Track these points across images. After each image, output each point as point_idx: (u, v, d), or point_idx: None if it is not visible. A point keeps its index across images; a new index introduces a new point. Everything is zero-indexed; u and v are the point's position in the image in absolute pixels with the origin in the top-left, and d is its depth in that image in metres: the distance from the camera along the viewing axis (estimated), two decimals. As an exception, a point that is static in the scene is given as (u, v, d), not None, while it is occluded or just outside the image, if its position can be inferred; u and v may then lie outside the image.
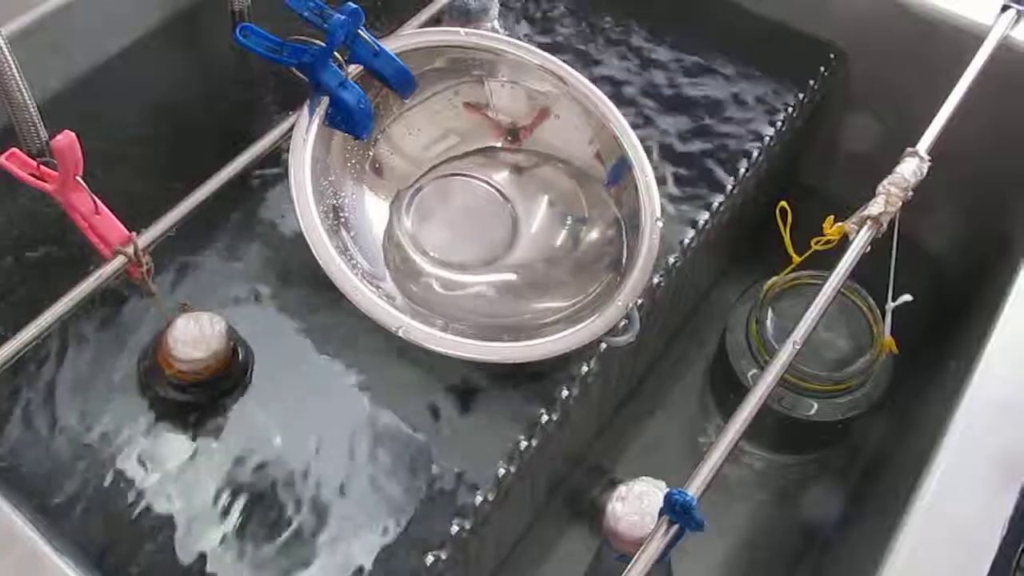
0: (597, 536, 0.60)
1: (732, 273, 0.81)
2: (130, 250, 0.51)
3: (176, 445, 0.52)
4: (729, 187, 0.66)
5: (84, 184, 0.49)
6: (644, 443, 0.74)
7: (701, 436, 0.75)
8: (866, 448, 0.72)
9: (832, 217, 0.57)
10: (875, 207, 0.54)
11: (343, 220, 0.58)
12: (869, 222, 0.54)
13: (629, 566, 0.40)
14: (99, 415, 0.53)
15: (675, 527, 0.41)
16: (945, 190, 0.64)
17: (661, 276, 0.60)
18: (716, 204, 0.65)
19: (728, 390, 0.70)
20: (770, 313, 0.65)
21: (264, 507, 0.50)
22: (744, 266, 0.81)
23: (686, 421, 0.76)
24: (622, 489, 0.47)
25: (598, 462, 0.72)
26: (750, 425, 0.45)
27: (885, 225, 0.54)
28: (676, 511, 0.41)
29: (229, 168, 0.55)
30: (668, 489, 0.41)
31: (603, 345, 0.56)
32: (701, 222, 0.64)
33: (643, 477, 0.48)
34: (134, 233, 0.52)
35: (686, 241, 0.63)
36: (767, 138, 0.69)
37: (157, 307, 0.55)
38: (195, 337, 0.52)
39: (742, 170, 0.67)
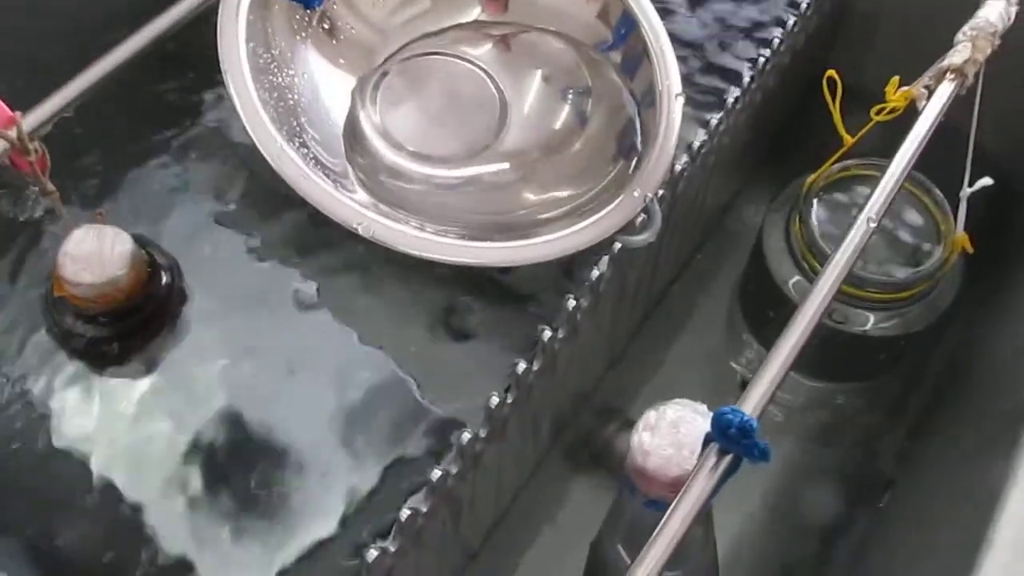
0: (611, 484, 0.50)
1: (760, 177, 0.71)
2: (12, 133, 0.40)
3: (91, 392, 0.42)
4: (762, 60, 0.54)
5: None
6: (664, 376, 0.64)
7: (732, 367, 0.64)
8: (929, 373, 0.61)
9: (897, 78, 0.46)
10: (958, 55, 0.43)
11: (291, 105, 0.47)
12: (950, 74, 0.42)
13: (669, 510, 0.30)
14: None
15: (728, 458, 0.31)
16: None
17: (685, 162, 0.49)
18: (747, 79, 0.53)
19: (765, 307, 0.59)
20: (815, 209, 0.54)
21: (207, 457, 0.40)
22: (774, 168, 0.70)
23: (713, 349, 0.65)
24: (651, 415, 0.37)
25: (610, 399, 0.62)
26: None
27: (971, 78, 0.43)
28: (730, 436, 0.30)
29: (143, 33, 0.44)
30: (719, 408, 0.31)
31: (617, 245, 0.45)
32: (730, 100, 0.52)
33: (677, 399, 0.37)
34: (17, 113, 0.40)
35: (713, 122, 0.51)
36: (803, 4, 0.57)
37: (58, 211, 0.44)
38: (88, 255, 0.41)
39: (776, 41, 0.55)
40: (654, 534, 0.30)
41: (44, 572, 0.37)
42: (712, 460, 0.31)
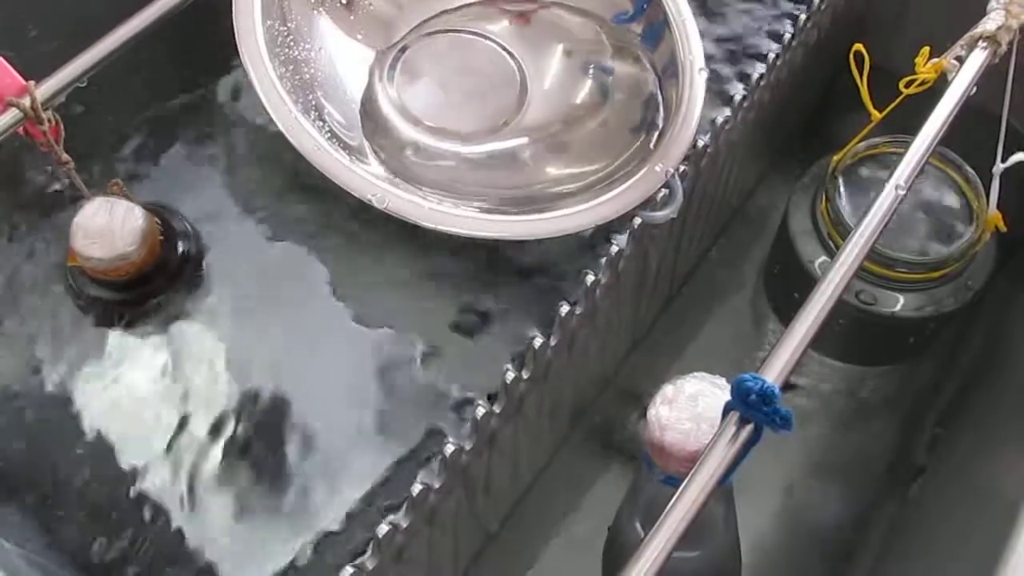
0: (631, 471, 0.49)
1: (786, 159, 0.70)
2: (26, 102, 0.40)
3: (108, 358, 0.42)
4: (788, 36, 0.53)
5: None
6: (687, 361, 0.63)
7: (757, 352, 0.63)
8: (964, 357, 0.59)
9: (928, 48, 0.45)
10: (991, 22, 0.41)
11: (308, 79, 0.47)
12: (983, 42, 0.41)
13: (685, 481, 0.29)
14: (18, 324, 0.43)
15: (748, 427, 0.29)
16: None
17: (708, 139, 0.48)
18: (772, 55, 0.52)
19: (790, 289, 0.58)
20: (842, 187, 0.53)
21: (218, 430, 0.40)
22: (800, 150, 0.68)
23: (737, 334, 0.64)
24: (668, 389, 0.36)
25: (632, 385, 0.61)
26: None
27: (1004, 46, 0.41)
28: (750, 403, 0.29)
29: (156, 6, 0.43)
30: (739, 376, 0.30)
31: (637, 220, 0.44)
32: (755, 76, 0.51)
33: (696, 372, 0.36)
34: (31, 82, 0.40)
35: (737, 98, 0.50)
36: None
37: (75, 182, 0.43)
38: (100, 230, 0.41)
39: (803, 17, 0.54)
40: (668, 506, 0.29)
41: (49, 538, 0.37)
42: (732, 429, 0.30)
